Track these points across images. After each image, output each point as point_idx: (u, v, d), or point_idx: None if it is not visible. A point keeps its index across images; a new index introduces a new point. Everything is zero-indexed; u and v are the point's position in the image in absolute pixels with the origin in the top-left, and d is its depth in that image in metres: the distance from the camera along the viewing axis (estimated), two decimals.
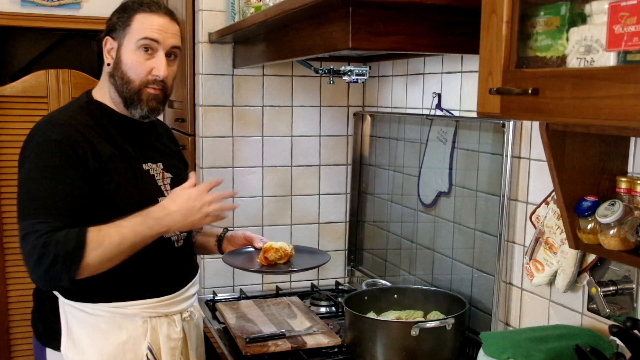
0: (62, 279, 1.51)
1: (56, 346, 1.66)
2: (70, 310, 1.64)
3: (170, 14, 1.74)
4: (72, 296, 1.64)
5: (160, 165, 1.78)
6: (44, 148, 1.58)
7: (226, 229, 2.04)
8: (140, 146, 1.75)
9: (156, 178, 1.75)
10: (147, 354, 1.67)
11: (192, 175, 1.68)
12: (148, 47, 1.68)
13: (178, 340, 1.73)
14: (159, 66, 1.68)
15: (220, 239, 2.01)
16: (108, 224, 1.56)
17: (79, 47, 4.54)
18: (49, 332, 1.68)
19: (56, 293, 1.65)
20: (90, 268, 1.53)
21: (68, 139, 1.58)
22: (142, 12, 1.69)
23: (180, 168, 1.90)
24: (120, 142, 1.69)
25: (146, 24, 1.68)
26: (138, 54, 1.67)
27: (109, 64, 1.71)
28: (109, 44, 1.71)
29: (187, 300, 1.79)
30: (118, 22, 1.69)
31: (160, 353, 1.69)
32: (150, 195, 1.71)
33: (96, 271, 1.55)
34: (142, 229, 1.57)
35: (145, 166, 1.74)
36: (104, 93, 1.74)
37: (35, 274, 1.52)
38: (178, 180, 1.79)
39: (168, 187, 1.77)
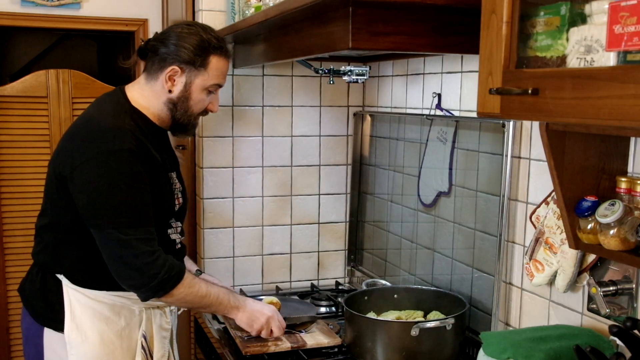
0: (149, 292, 1.66)
1: (56, 327, 1.74)
2: (73, 294, 1.72)
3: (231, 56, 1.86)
4: (77, 281, 1.73)
5: (175, 173, 1.86)
6: (119, 157, 1.62)
7: (200, 271, 2.09)
8: (167, 155, 1.83)
9: (174, 187, 1.83)
10: (141, 342, 1.77)
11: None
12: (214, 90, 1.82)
13: (169, 330, 1.86)
14: (216, 104, 1.85)
15: None
16: (197, 277, 1.79)
17: (79, 47, 4.54)
18: (49, 312, 1.76)
19: (60, 277, 1.74)
20: (170, 299, 1.70)
21: (137, 147, 1.65)
22: (217, 55, 1.76)
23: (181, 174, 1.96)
24: (156, 150, 1.75)
25: (220, 70, 1.78)
26: (205, 93, 1.79)
27: (170, 91, 1.76)
28: (173, 72, 1.74)
29: None
30: (195, 59, 1.73)
31: (152, 341, 1.80)
32: (169, 202, 1.80)
33: (172, 304, 1.78)
34: (226, 298, 1.80)
35: (169, 175, 1.82)
36: (146, 104, 1.78)
37: (135, 275, 1.64)
38: (184, 189, 1.90)
39: (179, 194, 1.86)
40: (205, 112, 1.84)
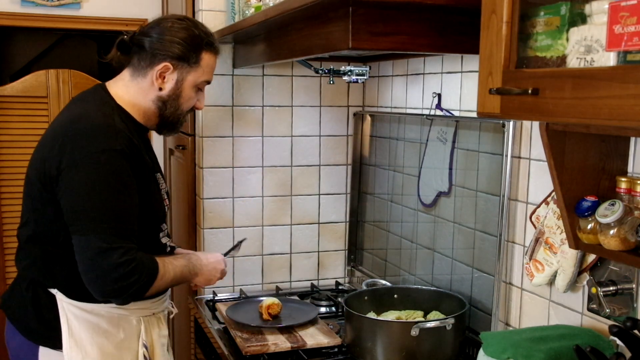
0: (131, 296, 1.57)
1: (52, 344, 1.65)
2: (70, 309, 1.64)
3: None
4: (73, 295, 1.64)
5: (159, 173, 1.81)
6: (108, 158, 1.54)
7: (174, 247, 2.01)
8: (151, 155, 1.78)
9: (160, 187, 1.79)
10: (143, 352, 1.71)
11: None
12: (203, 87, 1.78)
13: (166, 336, 1.81)
14: (203, 101, 1.81)
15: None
16: (162, 258, 1.67)
17: (79, 47, 4.55)
18: (44, 330, 1.66)
19: (54, 291, 1.65)
20: (149, 293, 1.62)
21: (128, 148, 1.58)
22: (208, 52, 1.72)
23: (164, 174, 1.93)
24: (143, 151, 1.69)
25: (210, 67, 1.75)
26: (194, 90, 1.75)
27: (160, 89, 1.69)
28: (165, 69, 1.67)
29: (167, 299, 1.85)
30: (189, 56, 1.68)
31: (153, 350, 1.75)
32: (159, 204, 1.75)
33: (147, 295, 1.65)
34: (186, 271, 1.75)
35: (155, 176, 1.77)
36: (132, 102, 1.70)
37: (112, 286, 1.53)
38: (168, 190, 1.86)
39: (165, 195, 1.81)
40: (191, 110, 1.80)
